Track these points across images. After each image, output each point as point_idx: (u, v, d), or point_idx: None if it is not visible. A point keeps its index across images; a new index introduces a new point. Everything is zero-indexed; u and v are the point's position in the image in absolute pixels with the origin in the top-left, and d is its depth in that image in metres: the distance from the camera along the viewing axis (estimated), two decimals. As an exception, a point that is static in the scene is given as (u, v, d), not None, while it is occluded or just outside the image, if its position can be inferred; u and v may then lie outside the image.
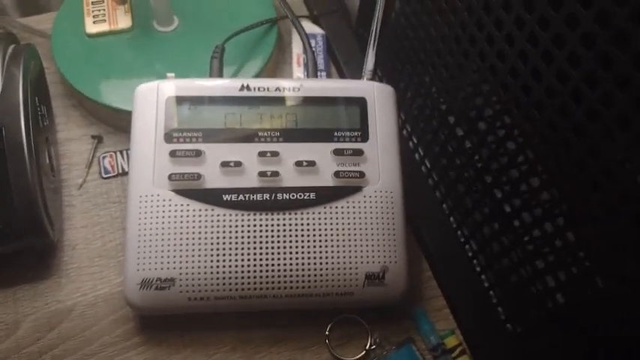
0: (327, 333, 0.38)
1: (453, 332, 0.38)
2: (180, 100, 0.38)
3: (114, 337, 0.37)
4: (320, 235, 0.35)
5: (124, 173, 0.44)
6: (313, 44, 0.52)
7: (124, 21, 0.49)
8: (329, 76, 0.52)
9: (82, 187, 0.44)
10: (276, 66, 0.52)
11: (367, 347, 0.37)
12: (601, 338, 0.30)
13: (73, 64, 0.47)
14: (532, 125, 0.31)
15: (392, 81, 0.48)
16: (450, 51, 0.38)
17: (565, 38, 0.27)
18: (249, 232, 0.35)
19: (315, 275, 0.35)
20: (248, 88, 0.38)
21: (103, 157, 0.45)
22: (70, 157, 0.45)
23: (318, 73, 0.51)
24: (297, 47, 0.52)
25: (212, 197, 0.35)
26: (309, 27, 0.54)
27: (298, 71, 0.51)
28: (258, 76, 0.47)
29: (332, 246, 0.35)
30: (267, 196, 0.36)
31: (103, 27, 0.48)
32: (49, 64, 0.47)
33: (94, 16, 0.49)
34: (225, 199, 0.35)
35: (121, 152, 0.45)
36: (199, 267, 0.35)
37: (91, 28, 0.48)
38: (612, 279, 0.29)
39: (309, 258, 0.35)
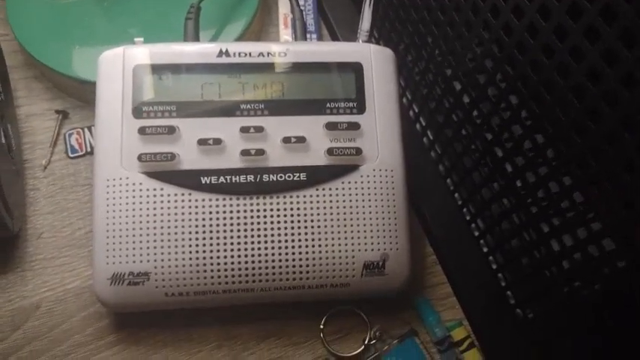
0: (321, 327, 0.35)
1: (461, 323, 0.35)
2: (149, 68, 0.33)
3: (86, 336, 0.34)
4: (312, 221, 0.32)
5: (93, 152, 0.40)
6: (302, 2, 0.48)
7: (88, -21, 0.44)
8: (320, 38, 0.48)
9: (46, 168, 0.39)
10: (260, 28, 0.48)
11: (366, 341, 0.35)
12: (619, 324, 0.28)
13: (32, 30, 0.42)
14: (554, 93, 0.27)
15: (391, 43, 0.44)
16: (457, 7, 0.33)
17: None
18: (231, 219, 0.32)
19: (307, 266, 0.32)
20: (227, 53, 0.34)
21: (70, 135, 0.41)
22: (33, 135, 0.41)
23: (308, 36, 0.46)
24: (284, 6, 0.48)
25: (188, 180, 0.32)
26: (298, -17, 0.49)
27: (286, 34, 0.46)
28: (240, 39, 0.43)
29: (325, 232, 0.32)
30: (251, 177, 0.32)
31: (65, -14, 0.43)
32: (6, 30, 0.42)
33: (54, -26, 0.44)
34: (203, 181, 0.32)
35: (89, 128, 0.41)
36: (176, 259, 0.31)
37: (52, -13, 0.43)
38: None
39: (299, 247, 0.32)
